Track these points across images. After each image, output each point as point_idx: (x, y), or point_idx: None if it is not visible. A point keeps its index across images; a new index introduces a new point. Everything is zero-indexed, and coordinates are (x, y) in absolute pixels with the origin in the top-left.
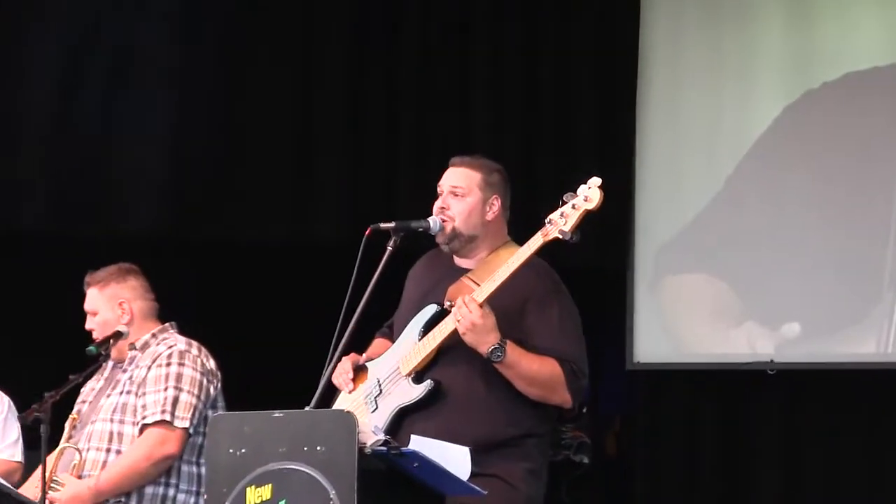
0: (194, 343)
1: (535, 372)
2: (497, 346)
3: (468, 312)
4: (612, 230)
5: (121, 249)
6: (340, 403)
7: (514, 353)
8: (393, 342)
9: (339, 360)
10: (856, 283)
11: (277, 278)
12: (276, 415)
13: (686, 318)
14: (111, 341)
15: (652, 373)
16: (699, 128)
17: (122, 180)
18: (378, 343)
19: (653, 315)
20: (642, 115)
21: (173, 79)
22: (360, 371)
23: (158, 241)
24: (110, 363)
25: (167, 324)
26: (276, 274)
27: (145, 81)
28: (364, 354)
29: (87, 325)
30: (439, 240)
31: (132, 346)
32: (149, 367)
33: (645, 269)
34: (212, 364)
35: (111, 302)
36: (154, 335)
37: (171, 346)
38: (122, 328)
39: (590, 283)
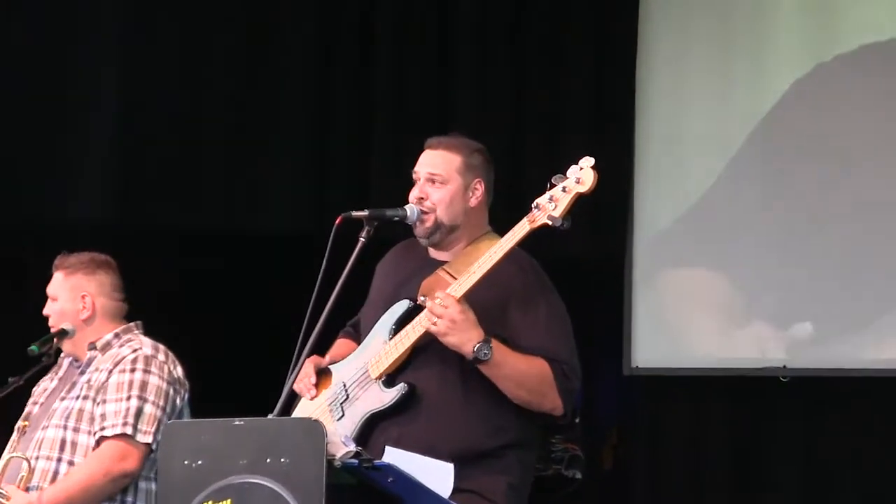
0: (161, 347)
1: (523, 372)
2: (482, 343)
3: (445, 309)
4: (606, 216)
5: (67, 237)
6: (302, 410)
7: (500, 351)
8: (359, 343)
9: (304, 359)
10: (875, 280)
11: (238, 271)
12: (237, 423)
13: (689, 318)
14: (54, 340)
15: (652, 379)
16: (704, 102)
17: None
18: (342, 344)
19: (652, 313)
20: (642, 88)
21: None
22: (323, 375)
23: (107, 229)
24: (66, 360)
25: (132, 323)
26: (237, 267)
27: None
28: (326, 356)
29: (45, 310)
30: (418, 232)
31: (92, 346)
32: (110, 372)
33: (643, 262)
34: (179, 372)
35: (74, 292)
36: (117, 335)
37: (135, 350)
38: (67, 326)
39: (581, 276)
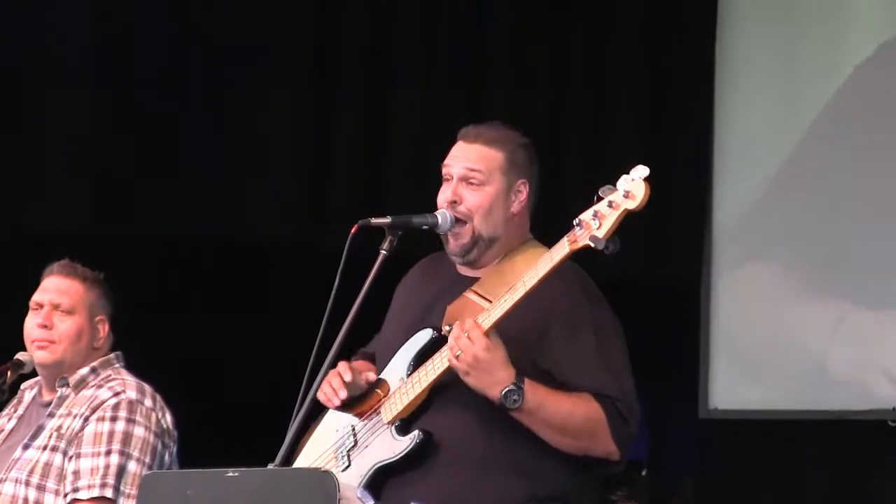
0: (147, 389)
1: (567, 416)
2: (512, 387)
3: (468, 344)
4: (678, 230)
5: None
6: (306, 458)
7: (535, 394)
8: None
9: (311, 402)
10: None
11: (227, 286)
12: (230, 474)
13: (778, 350)
14: (8, 374)
15: (733, 423)
16: (783, 72)
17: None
18: (361, 364)
19: (733, 345)
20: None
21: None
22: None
23: (79, 238)
24: (28, 393)
25: (111, 355)
26: (225, 280)
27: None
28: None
29: (43, 321)
30: (451, 248)
31: (63, 381)
32: (86, 419)
33: (723, 283)
34: (168, 421)
35: (92, 311)
36: (94, 370)
37: (117, 394)
38: (24, 357)
39: (648, 301)
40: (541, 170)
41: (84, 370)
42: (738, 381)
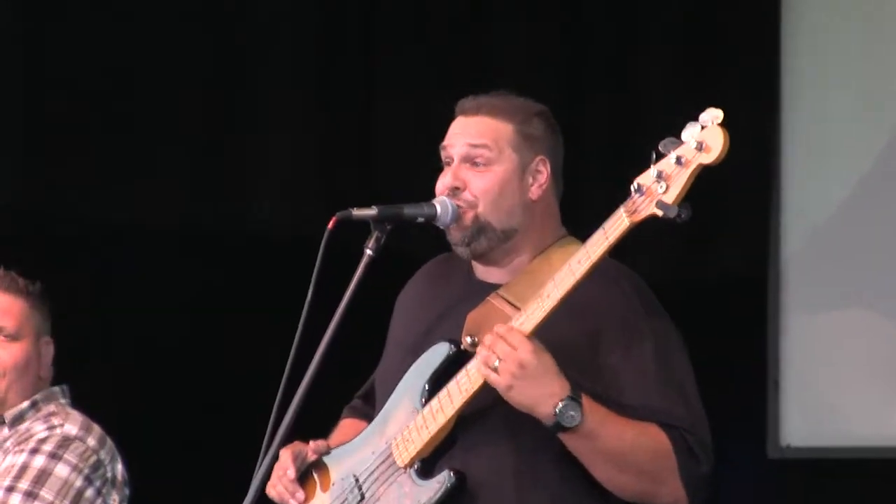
0: (96, 428)
1: (630, 447)
2: (568, 399)
3: (509, 349)
4: (739, 225)
5: None
6: None
7: (595, 413)
8: (371, 420)
9: (281, 443)
10: None
11: (208, 288)
12: None
13: (861, 377)
14: None
15: (809, 463)
16: (866, 60)
17: None
18: (347, 426)
19: (809, 371)
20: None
21: None
22: (315, 470)
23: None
24: None
25: (55, 388)
26: (206, 282)
27: None
28: (323, 440)
29: None
30: (453, 237)
31: None
32: (6, 452)
33: (796, 298)
34: (118, 470)
35: (38, 333)
36: (35, 404)
37: (52, 427)
38: None
39: (705, 315)
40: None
41: (24, 404)
42: (815, 414)
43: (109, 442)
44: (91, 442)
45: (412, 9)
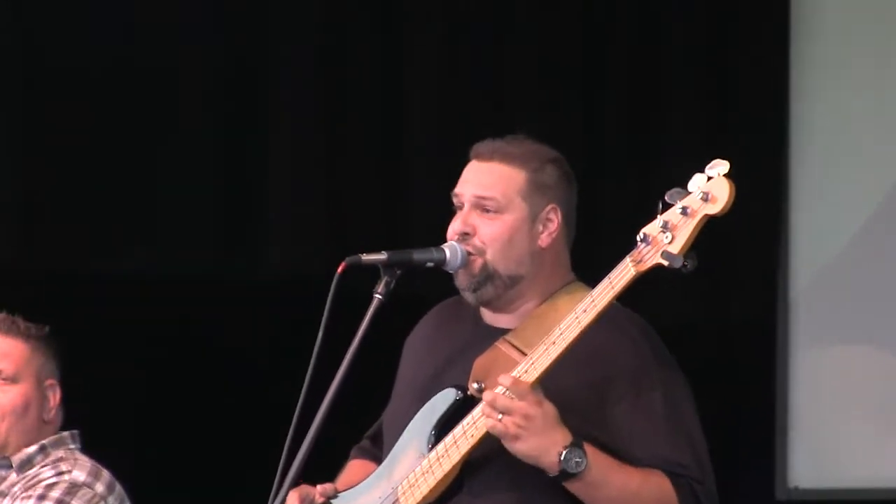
0: (105, 475)
1: (634, 495)
2: (571, 447)
3: (513, 402)
4: (747, 269)
5: None
6: None
7: (599, 461)
8: (380, 462)
9: (291, 486)
10: None
11: (192, 336)
12: None
13: (872, 416)
14: None
15: None
16: (875, 100)
17: None
18: (356, 467)
19: (819, 413)
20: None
21: None
22: None
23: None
24: None
25: (65, 433)
26: (207, 328)
27: None
28: (330, 483)
29: None
30: (461, 282)
31: (4, 461)
32: (14, 498)
33: (803, 337)
34: None
35: (39, 376)
36: (43, 449)
37: (61, 473)
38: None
39: (711, 355)
40: (579, 193)
41: (31, 449)
42: (822, 456)
43: (119, 488)
44: (99, 488)
45: (436, 55)
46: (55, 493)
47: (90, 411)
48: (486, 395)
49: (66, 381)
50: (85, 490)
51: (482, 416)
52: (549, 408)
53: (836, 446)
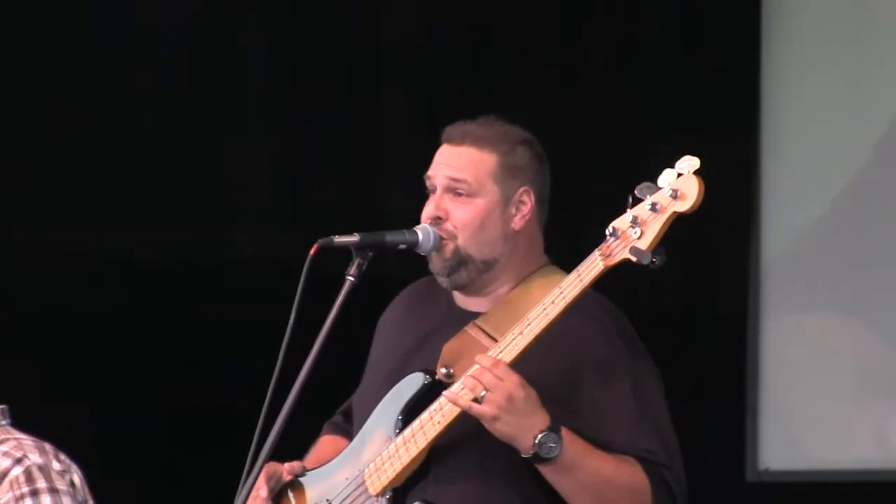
0: (48, 448)
1: (607, 481)
2: (549, 431)
3: (496, 380)
4: (717, 250)
5: None
6: None
7: (574, 445)
8: (351, 438)
9: (262, 465)
10: None
11: (174, 317)
12: None
13: (842, 398)
14: None
15: (788, 487)
16: (843, 78)
17: None
18: (327, 443)
19: (788, 395)
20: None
21: None
22: (292, 490)
23: None
24: None
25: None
26: (170, 309)
27: None
28: (303, 461)
29: None
30: (435, 267)
31: None
32: None
33: (773, 321)
34: (77, 481)
35: None
36: None
37: (18, 460)
38: None
39: (682, 340)
40: (552, 174)
41: None
42: (792, 438)
43: (63, 456)
44: (56, 464)
45: (413, 43)
46: (42, 484)
47: (52, 394)
48: (471, 370)
49: (32, 365)
50: (49, 471)
51: (456, 397)
52: (532, 391)
53: (806, 428)
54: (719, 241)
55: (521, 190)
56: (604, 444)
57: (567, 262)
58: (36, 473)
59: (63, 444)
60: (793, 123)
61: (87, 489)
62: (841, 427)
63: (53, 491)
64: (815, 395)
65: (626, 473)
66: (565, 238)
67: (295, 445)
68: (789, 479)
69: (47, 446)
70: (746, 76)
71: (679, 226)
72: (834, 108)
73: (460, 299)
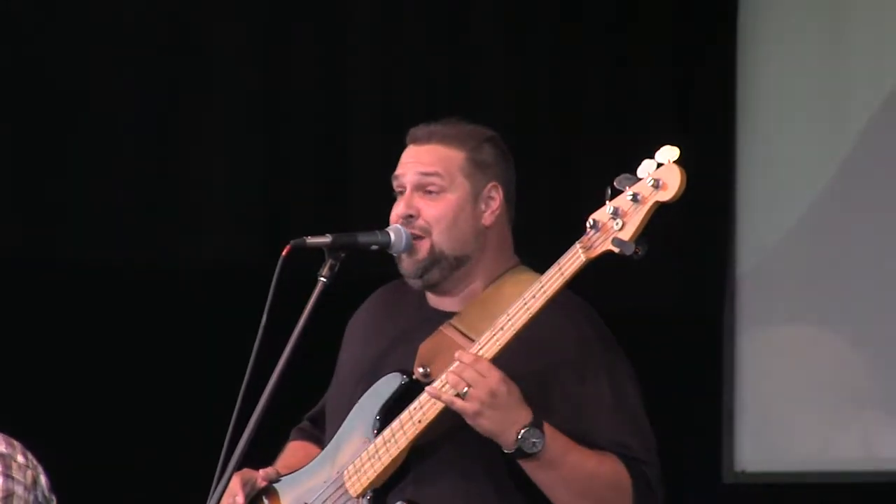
0: (17, 444)
1: (590, 477)
2: (531, 427)
3: (478, 376)
4: (693, 254)
5: None
6: None
7: (556, 442)
8: (323, 445)
9: (234, 471)
10: None
11: (146, 325)
12: None
13: (818, 402)
14: None
15: (765, 488)
16: (817, 88)
17: None
18: (295, 449)
19: (764, 397)
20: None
21: None
22: (266, 497)
23: None
24: None
25: None
26: (145, 318)
27: None
28: (272, 467)
29: None
30: (406, 268)
31: None
32: None
33: (750, 325)
34: (44, 483)
35: None
36: None
37: None
38: None
39: (660, 342)
40: (517, 173)
41: None
42: (769, 440)
43: (31, 456)
44: (20, 458)
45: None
46: None
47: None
48: (451, 371)
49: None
50: (11, 461)
51: (438, 394)
52: (514, 386)
53: (783, 430)
54: (694, 241)
55: (490, 185)
56: (582, 441)
57: (547, 262)
58: None
59: (32, 449)
60: (769, 132)
61: (51, 492)
62: (816, 429)
63: (7, 476)
64: (791, 398)
65: (607, 469)
66: (548, 238)
67: (266, 450)
68: (766, 480)
69: (16, 443)
70: (723, 84)
71: (654, 227)
72: (810, 117)
73: (433, 300)
